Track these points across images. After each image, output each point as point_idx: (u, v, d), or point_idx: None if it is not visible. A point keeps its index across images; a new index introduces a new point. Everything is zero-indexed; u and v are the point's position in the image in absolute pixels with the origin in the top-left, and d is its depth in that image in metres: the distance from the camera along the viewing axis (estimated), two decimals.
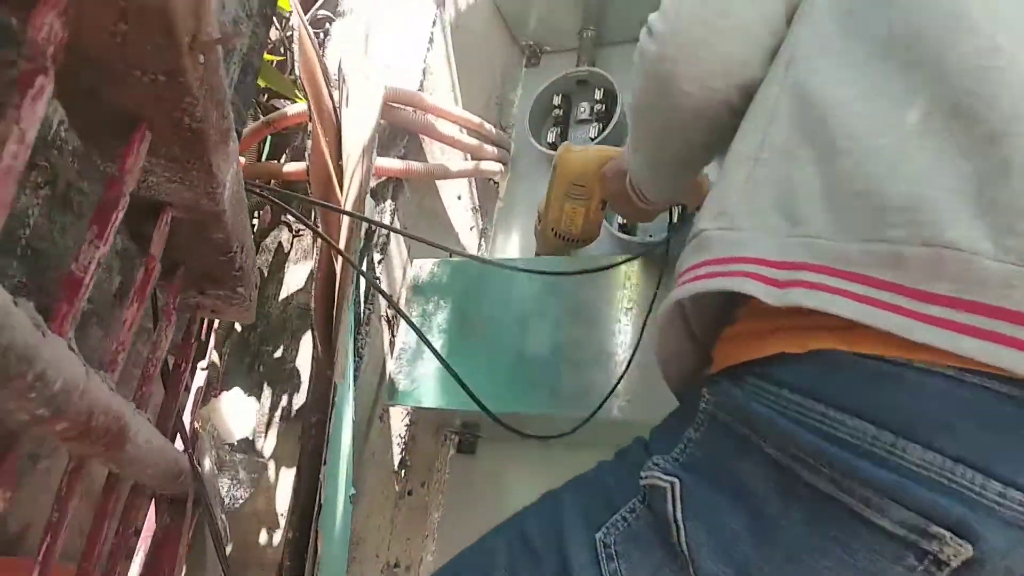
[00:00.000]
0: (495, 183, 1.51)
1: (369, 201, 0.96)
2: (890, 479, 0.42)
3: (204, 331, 0.88)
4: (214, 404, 0.89)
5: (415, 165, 1.22)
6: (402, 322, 1.17)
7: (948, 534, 0.41)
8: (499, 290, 1.15)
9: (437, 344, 1.14)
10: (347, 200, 0.86)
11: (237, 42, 0.69)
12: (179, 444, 0.74)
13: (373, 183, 1.24)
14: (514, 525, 0.62)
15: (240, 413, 0.90)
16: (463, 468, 1.33)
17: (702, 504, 0.50)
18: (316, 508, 0.73)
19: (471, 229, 1.44)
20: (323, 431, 0.75)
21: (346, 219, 0.84)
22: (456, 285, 1.18)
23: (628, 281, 1.08)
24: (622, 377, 0.99)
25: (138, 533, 0.68)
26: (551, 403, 1.06)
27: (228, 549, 0.80)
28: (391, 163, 1.19)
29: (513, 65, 1.62)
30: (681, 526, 0.50)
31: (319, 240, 0.87)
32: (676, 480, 0.51)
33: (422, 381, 1.14)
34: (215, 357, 0.92)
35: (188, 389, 0.79)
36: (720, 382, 0.53)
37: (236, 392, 0.93)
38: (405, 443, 1.23)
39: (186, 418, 0.77)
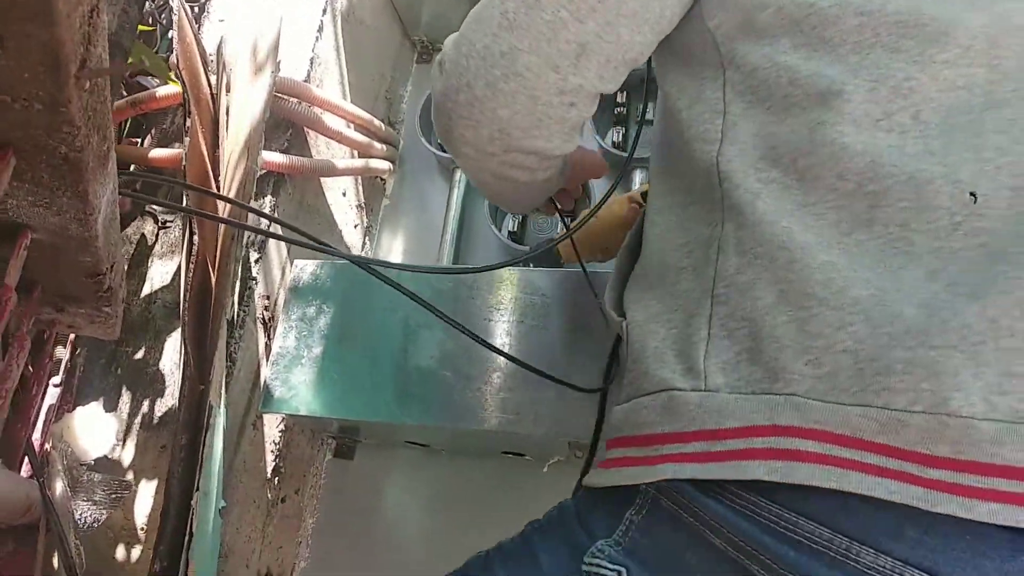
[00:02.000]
0: (382, 180, 1.47)
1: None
2: (810, 565, 0.44)
3: (54, 344, 0.80)
4: (67, 420, 0.81)
5: (299, 160, 1.16)
6: (279, 325, 1.12)
7: None
8: (383, 295, 1.12)
9: (317, 350, 1.10)
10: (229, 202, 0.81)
11: (125, 71, 0.63)
12: (27, 468, 0.67)
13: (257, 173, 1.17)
14: None
15: (96, 428, 0.83)
16: (340, 473, 1.30)
17: None
18: (187, 537, 0.69)
19: (355, 227, 1.40)
20: (195, 454, 0.70)
21: (230, 211, 0.79)
22: (339, 288, 1.14)
23: (514, 291, 1.09)
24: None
25: None
26: (430, 414, 1.05)
27: (83, 569, 0.74)
28: (273, 157, 1.13)
29: (404, 60, 1.58)
30: None
31: (190, 238, 0.80)
32: (623, 569, 0.50)
33: (299, 388, 1.09)
34: (68, 365, 0.84)
35: (39, 411, 0.72)
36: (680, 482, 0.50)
37: (92, 407, 0.85)
38: (279, 450, 1.19)
39: (36, 439, 0.71)
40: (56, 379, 0.71)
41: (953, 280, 0.45)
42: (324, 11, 1.28)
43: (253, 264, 1.12)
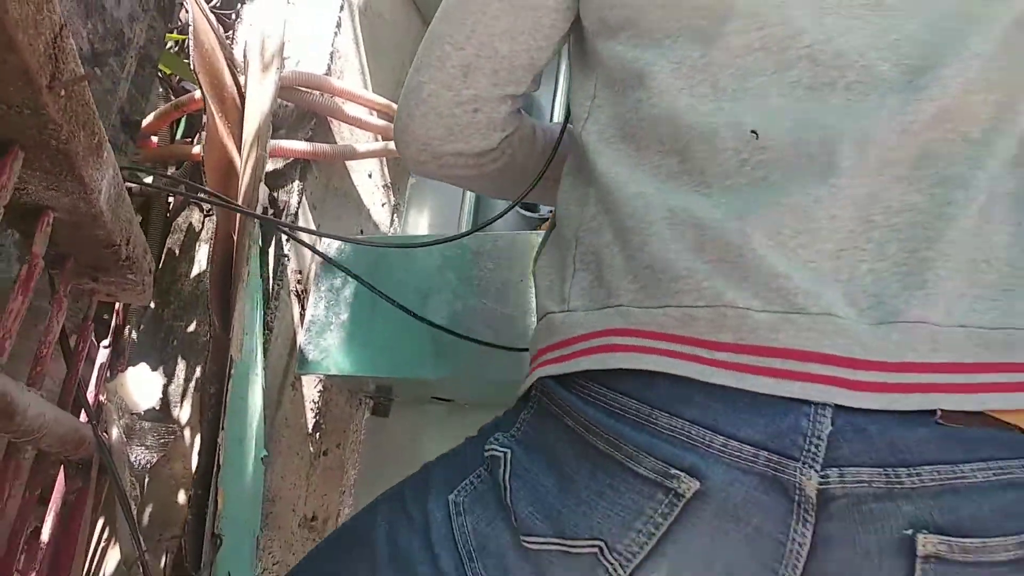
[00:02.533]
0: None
1: (263, 188, 1.03)
2: (644, 438, 0.55)
3: (116, 313, 0.95)
4: (120, 379, 0.96)
5: (321, 146, 1.29)
6: (311, 296, 1.25)
7: (683, 475, 0.54)
8: (400, 265, 1.23)
9: (344, 316, 1.22)
10: (242, 187, 0.93)
11: (90, 76, 0.75)
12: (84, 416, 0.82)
13: (280, 164, 1.30)
14: (395, 491, 0.73)
15: (146, 385, 0.98)
16: (377, 430, 1.43)
17: (524, 468, 0.62)
18: (215, 468, 0.82)
19: (383, 206, 1.52)
20: (221, 401, 0.83)
21: (243, 196, 0.92)
22: (362, 261, 1.26)
23: (529, 255, 1.18)
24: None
25: (45, 496, 0.76)
26: (450, 367, 1.16)
27: (148, 510, 0.88)
28: (297, 145, 1.26)
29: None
30: (507, 486, 0.61)
31: (216, 222, 0.93)
32: (509, 451, 0.63)
33: (330, 351, 1.22)
34: (115, 329, 0.99)
35: (93, 364, 0.87)
36: (548, 381, 0.64)
37: (141, 367, 1.00)
38: (319, 408, 1.32)
39: (91, 392, 0.85)
40: (105, 341, 0.85)
41: (731, 207, 0.57)
42: (342, 7, 1.40)
43: (285, 243, 1.26)
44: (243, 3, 1.42)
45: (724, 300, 0.54)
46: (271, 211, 1.25)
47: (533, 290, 0.76)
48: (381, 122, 1.42)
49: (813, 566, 0.54)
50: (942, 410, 0.53)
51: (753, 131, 0.58)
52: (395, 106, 1.47)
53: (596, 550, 0.57)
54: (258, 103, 0.99)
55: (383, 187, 1.52)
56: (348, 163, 1.41)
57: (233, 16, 1.45)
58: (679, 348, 0.56)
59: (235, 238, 0.89)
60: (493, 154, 0.80)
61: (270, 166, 1.32)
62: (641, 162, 0.62)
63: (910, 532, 0.52)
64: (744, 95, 0.60)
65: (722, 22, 0.61)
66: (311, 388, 1.32)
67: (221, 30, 1.14)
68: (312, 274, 1.28)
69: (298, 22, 1.41)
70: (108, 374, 0.90)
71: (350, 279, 1.25)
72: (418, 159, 0.80)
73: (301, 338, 1.24)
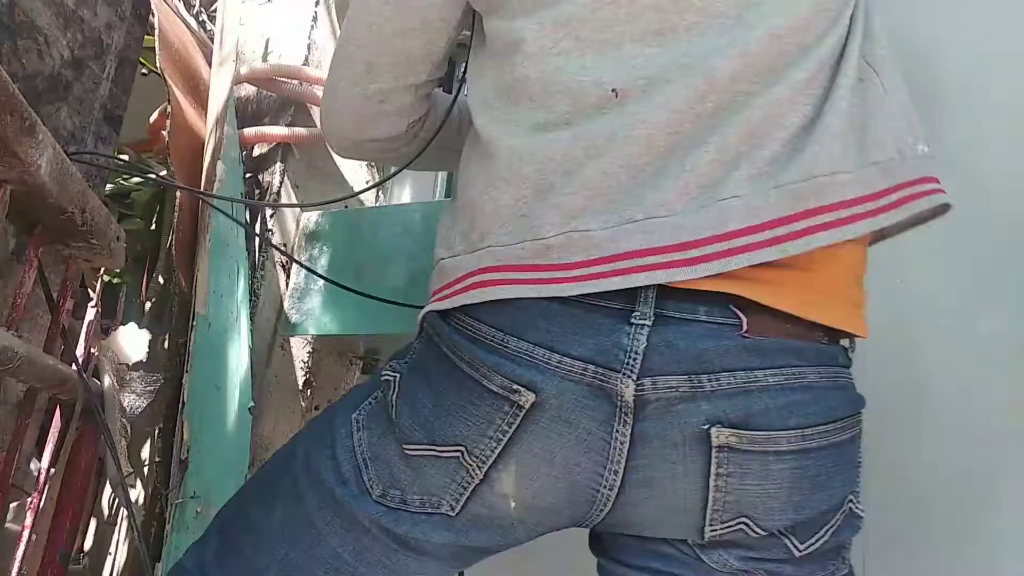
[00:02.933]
0: None
1: (233, 167, 1.17)
2: (494, 359, 0.66)
3: (100, 279, 1.11)
4: (113, 336, 1.12)
5: (298, 130, 1.42)
6: (294, 265, 1.39)
7: (523, 389, 0.64)
8: (372, 234, 1.36)
9: (322, 283, 1.36)
10: (204, 167, 1.07)
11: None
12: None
13: (265, 149, 1.45)
14: (319, 416, 0.84)
15: (134, 342, 1.13)
16: None
17: (408, 388, 0.72)
18: (180, 405, 0.97)
19: (366, 182, 1.65)
20: (186, 348, 0.98)
21: (205, 174, 1.06)
22: (338, 232, 1.39)
23: None
24: None
25: (38, 423, 0.92)
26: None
27: (128, 442, 1.04)
28: (276, 130, 1.40)
29: None
30: (394, 404, 0.72)
31: (179, 198, 1.08)
32: (399, 375, 0.74)
33: (311, 314, 1.36)
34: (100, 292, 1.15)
35: (81, 319, 1.02)
36: (433, 315, 0.74)
37: (131, 326, 1.16)
38: (308, 367, 1.47)
39: (81, 345, 1.01)
40: (92, 302, 1.00)
41: (589, 149, 0.66)
42: (317, 3, 1.53)
43: (269, 218, 1.40)
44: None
45: (571, 227, 0.65)
46: (256, 194, 1.39)
47: None
48: None
49: (633, 458, 0.64)
50: (746, 323, 0.63)
51: (613, 90, 0.67)
52: None
53: (459, 454, 0.68)
54: (217, 93, 1.13)
55: (367, 166, 1.65)
56: None
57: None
58: (539, 275, 0.66)
59: (198, 210, 1.03)
60: (404, 138, 0.91)
61: (256, 151, 1.47)
62: (514, 117, 0.71)
63: (707, 426, 0.62)
64: (604, 46, 0.68)
65: None
66: (300, 349, 1.46)
67: (194, 24, 1.28)
68: (294, 246, 1.42)
69: (278, 18, 1.54)
70: (99, 329, 1.06)
71: (326, 248, 1.38)
72: (340, 146, 0.93)
73: (286, 304, 1.39)
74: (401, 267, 1.30)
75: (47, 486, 0.96)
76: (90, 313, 1.01)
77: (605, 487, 0.66)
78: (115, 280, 1.14)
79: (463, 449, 0.68)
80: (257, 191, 1.41)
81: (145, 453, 1.25)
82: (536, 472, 0.67)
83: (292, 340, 1.44)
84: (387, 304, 1.29)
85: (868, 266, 0.74)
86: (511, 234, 0.68)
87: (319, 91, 1.47)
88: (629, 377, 0.62)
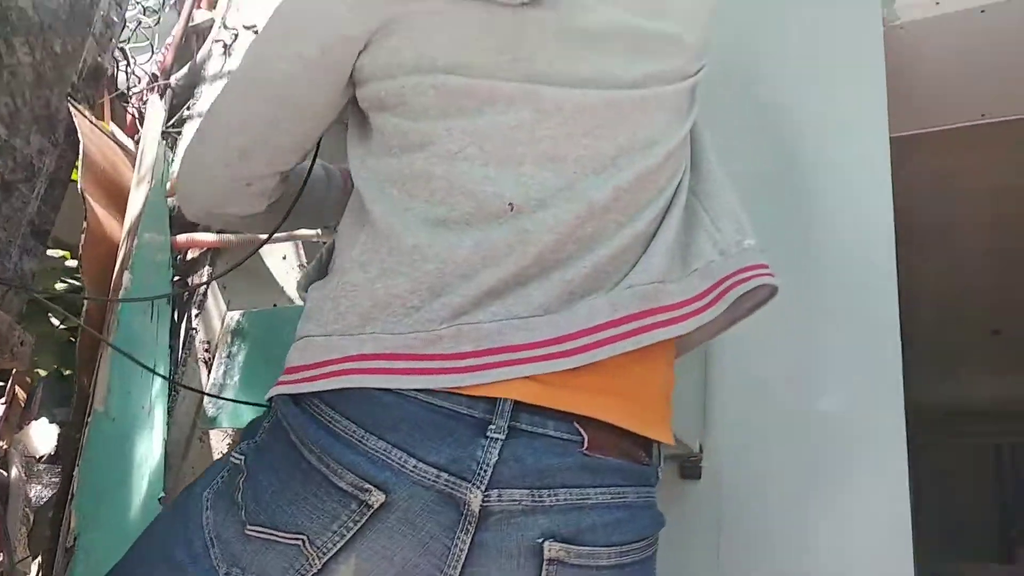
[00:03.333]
0: (322, 242, 1.84)
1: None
2: (349, 457, 0.69)
3: (11, 379, 1.21)
4: (26, 430, 1.22)
5: (227, 237, 1.55)
6: (214, 362, 1.49)
7: (374, 489, 0.68)
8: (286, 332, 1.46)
9: (237, 378, 1.45)
10: (114, 275, 1.19)
11: None
12: None
13: (196, 254, 1.57)
14: (179, 494, 0.89)
15: (45, 436, 1.22)
16: None
17: (254, 471, 0.77)
18: (69, 496, 1.05)
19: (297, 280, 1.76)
20: (78, 444, 1.07)
21: (113, 281, 1.18)
22: (256, 331, 1.50)
23: None
24: None
25: None
26: None
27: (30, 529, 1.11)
28: (206, 236, 1.53)
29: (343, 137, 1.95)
30: (240, 487, 0.77)
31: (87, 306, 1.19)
32: (245, 457, 0.79)
33: (227, 407, 1.45)
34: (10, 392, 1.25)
35: None
36: (284, 398, 0.78)
37: (42, 421, 1.25)
38: None
39: None
40: (1, 399, 1.10)
41: (481, 251, 0.73)
42: None
43: (194, 318, 1.51)
44: (180, 132, 1.72)
45: (461, 320, 0.71)
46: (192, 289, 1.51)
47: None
48: None
49: (470, 564, 0.69)
50: (587, 440, 0.72)
51: (511, 204, 0.75)
52: None
53: (300, 542, 0.71)
54: (132, 207, 1.26)
55: (297, 267, 1.77)
56: (263, 248, 1.67)
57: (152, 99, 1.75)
58: (427, 364, 0.70)
59: (103, 315, 1.14)
60: (262, 215, 0.96)
61: (189, 255, 1.59)
62: (411, 207, 0.76)
63: (541, 540, 0.69)
64: (506, 161, 0.76)
65: (489, 104, 0.77)
66: (219, 441, 1.54)
67: (120, 135, 1.43)
68: (224, 344, 1.53)
69: None
70: (7, 424, 1.15)
71: (243, 345, 1.49)
72: (198, 216, 0.99)
73: (205, 400, 1.48)
74: None
75: None
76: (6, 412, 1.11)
77: None
78: (28, 378, 1.24)
79: (304, 539, 0.71)
80: (186, 292, 1.53)
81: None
82: (375, 568, 0.70)
83: (211, 432, 1.52)
84: None
85: None
86: (401, 324, 0.72)
87: None
88: (479, 488, 0.68)
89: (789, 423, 1.30)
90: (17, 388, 1.25)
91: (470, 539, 0.69)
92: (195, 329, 1.50)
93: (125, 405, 1.20)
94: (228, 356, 1.49)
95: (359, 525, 0.70)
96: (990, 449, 5.62)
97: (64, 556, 1.02)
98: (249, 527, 0.74)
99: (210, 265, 1.55)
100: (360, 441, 0.70)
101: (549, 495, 0.70)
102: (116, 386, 1.17)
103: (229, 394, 1.46)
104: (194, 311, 1.51)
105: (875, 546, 1.14)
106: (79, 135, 1.17)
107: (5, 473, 1.11)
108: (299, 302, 1.77)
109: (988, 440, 5.56)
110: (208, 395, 1.45)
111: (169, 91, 1.71)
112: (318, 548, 0.71)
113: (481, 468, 0.69)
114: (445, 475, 0.68)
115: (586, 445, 0.71)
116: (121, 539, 1.19)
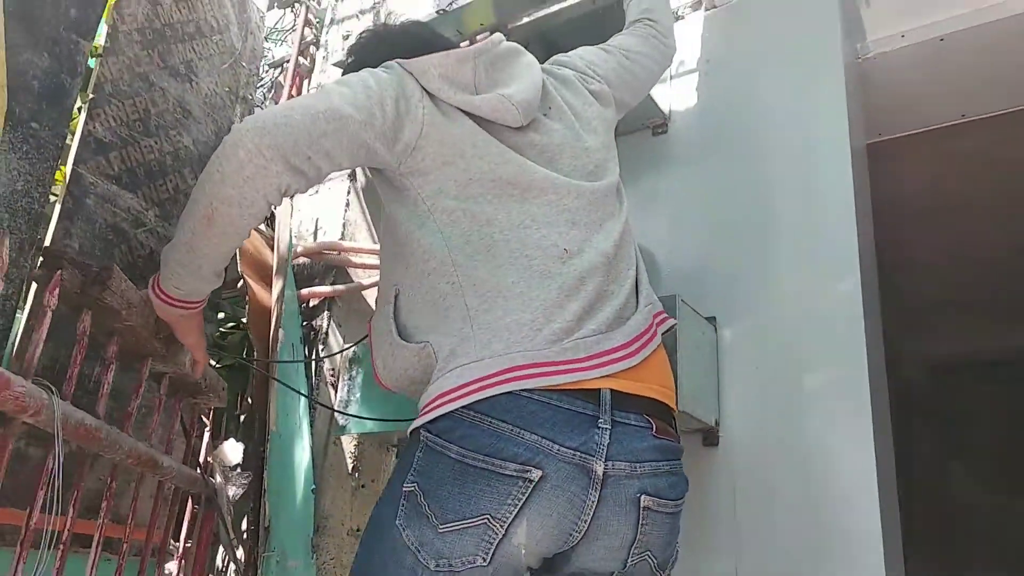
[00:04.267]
0: None
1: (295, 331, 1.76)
2: (512, 449, 0.95)
3: (211, 413, 1.70)
4: (221, 447, 1.70)
5: (339, 287, 2.01)
6: (340, 385, 1.96)
7: (533, 468, 0.94)
8: None
9: (358, 395, 1.91)
10: (271, 338, 1.66)
11: None
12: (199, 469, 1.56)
13: (316, 302, 2.04)
14: (375, 540, 1.05)
15: (234, 451, 1.70)
16: None
17: (429, 489, 0.98)
18: (263, 492, 1.53)
19: None
20: (264, 453, 1.54)
21: (271, 337, 1.65)
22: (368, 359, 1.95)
23: None
24: None
25: (177, 515, 1.50)
26: None
27: (231, 521, 1.60)
28: (322, 289, 1.99)
29: None
30: (423, 503, 0.98)
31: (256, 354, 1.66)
32: (416, 484, 0.99)
33: (351, 420, 1.92)
34: (211, 422, 1.74)
35: (201, 439, 1.61)
36: (441, 425, 0.99)
37: (231, 440, 1.73)
38: (355, 456, 2.02)
39: (202, 456, 1.59)
40: (207, 429, 1.58)
41: (567, 296, 1.06)
42: (348, 191, 2.14)
43: (320, 351, 1.98)
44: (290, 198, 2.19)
45: (573, 337, 1.01)
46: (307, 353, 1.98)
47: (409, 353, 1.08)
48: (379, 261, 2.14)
49: (597, 513, 0.99)
50: (654, 427, 1.06)
51: (565, 249, 1.08)
52: None
53: (485, 520, 0.95)
54: (277, 282, 1.72)
55: None
56: (363, 292, 2.13)
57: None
58: (559, 368, 0.99)
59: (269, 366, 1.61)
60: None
61: (311, 303, 2.06)
62: (499, 264, 1.05)
63: (638, 495, 1.01)
64: (552, 225, 1.09)
65: (527, 189, 1.11)
66: (349, 444, 2.02)
67: (265, 229, 1.90)
68: (339, 369, 1.99)
69: (322, 204, 2.16)
70: (212, 445, 1.64)
71: (360, 369, 1.94)
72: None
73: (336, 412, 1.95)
74: None
75: (182, 552, 1.54)
76: (206, 436, 1.59)
77: (577, 531, 0.99)
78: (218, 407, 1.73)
79: (488, 516, 0.95)
80: (312, 332, 2.00)
81: (243, 526, 1.81)
82: (540, 522, 0.97)
83: (342, 438, 1.99)
84: (408, 404, 1.83)
85: None
86: (533, 342, 0.99)
87: (353, 258, 2.07)
88: (601, 460, 0.98)
89: (784, 399, 1.66)
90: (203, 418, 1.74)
91: (597, 494, 0.98)
92: (323, 361, 1.97)
93: (286, 423, 1.68)
94: (349, 379, 1.96)
95: (526, 496, 0.96)
96: None
97: (264, 535, 1.50)
98: (441, 527, 0.96)
99: (327, 310, 2.02)
100: (518, 436, 0.96)
101: (640, 466, 1.02)
102: (280, 410, 1.64)
103: (352, 409, 1.92)
104: (320, 347, 1.98)
105: (844, 496, 1.50)
106: None
107: (213, 480, 1.60)
108: None
109: None
110: (337, 411, 1.92)
111: None
112: (499, 520, 0.96)
113: (600, 447, 0.99)
114: (579, 454, 0.97)
115: (654, 430, 1.05)
116: (294, 521, 1.68)
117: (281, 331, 1.64)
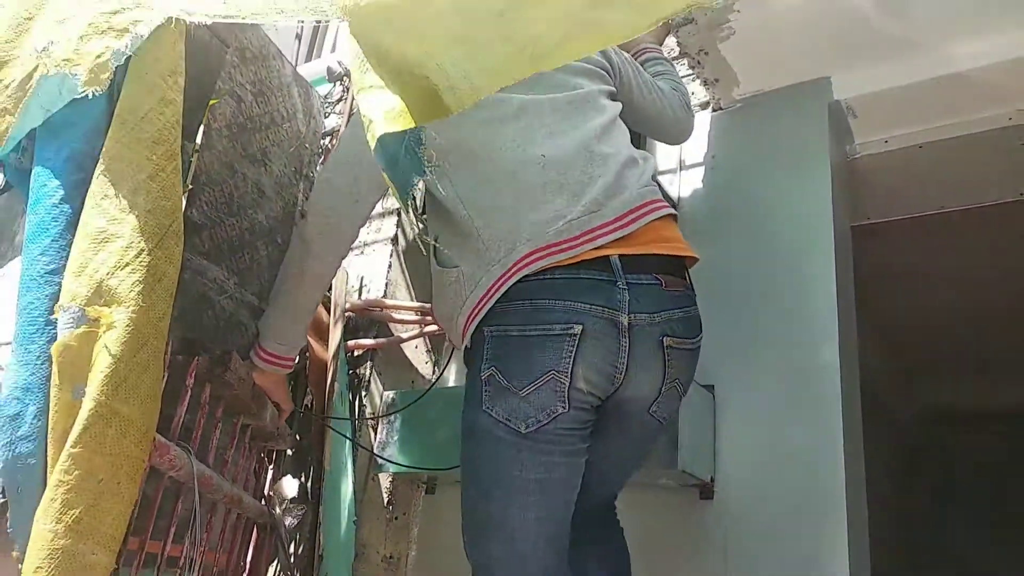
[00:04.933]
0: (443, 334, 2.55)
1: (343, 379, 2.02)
2: (555, 315, 1.21)
3: (274, 456, 1.96)
4: (280, 482, 1.96)
5: (380, 340, 2.28)
6: (379, 427, 2.22)
7: (575, 326, 1.20)
8: (430, 409, 2.17)
9: (396, 438, 2.17)
10: (327, 393, 1.92)
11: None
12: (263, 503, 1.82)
13: (360, 353, 2.30)
14: (466, 440, 1.33)
15: (290, 486, 1.96)
16: (429, 502, 2.35)
17: (503, 368, 1.23)
18: (318, 523, 1.78)
19: (426, 363, 2.48)
20: (320, 489, 1.80)
21: (328, 388, 1.91)
22: (405, 404, 2.21)
23: None
24: None
25: (248, 538, 1.75)
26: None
27: (290, 549, 1.86)
28: (367, 341, 2.26)
29: None
30: (501, 380, 1.22)
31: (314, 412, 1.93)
32: (492, 369, 1.24)
33: (390, 460, 2.17)
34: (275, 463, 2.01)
35: (266, 475, 1.87)
36: (491, 320, 1.26)
37: (288, 477, 1.99)
38: (390, 492, 2.27)
39: (265, 490, 1.85)
40: (271, 467, 1.84)
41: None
42: (391, 254, 2.41)
43: (363, 397, 2.24)
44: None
45: (573, 215, 1.27)
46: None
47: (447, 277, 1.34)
48: (417, 317, 2.40)
49: (631, 355, 1.24)
50: (663, 282, 1.31)
51: (543, 155, 1.32)
52: (426, 306, 2.45)
53: (552, 375, 1.20)
54: (332, 342, 1.99)
55: (426, 352, 2.49)
56: (402, 345, 2.39)
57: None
58: (568, 245, 1.25)
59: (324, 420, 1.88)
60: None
61: (355, 353, 2.32)
62: (503, 187, 1.32)
63: (661, 337, 1.28)
64: (535, 136, 1.35)
65: (505, 118, 1.36)
66: (385, 480, 2.27)
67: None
68: (379, 413, 2.25)
69: (368, 262, 2.44)
70: (273, 479, 1.90)
71: (397, 416, 2.20)
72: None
73: (375, 452, 2.20)
74: (445, 429, 2.10)
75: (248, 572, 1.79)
76: (270, 473, 1.85)
77: (619, 372, 1.24)
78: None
79: (553, 370, 1.21)
80: (356, 379, 2.26)
81: (290, 550, 2.06)
82: (591, 367, 1.22)
83: (379, 475, 2.25)
84: (439, 450, 2.09)
85: None
86: (532, 234, 1.26)
87: (394, 314, 2.33)
88: (625, 313, 1.24)
89: (775, 456, 1.91)
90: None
91: (628, 340, 1.24)
92: (364, 406, 2.23)
93: (336, 462, 1.94)
94: (388, 423, 2.22)
95: (575, 347, 1.21)
96: None
97: (318, 560, 1.75)
98: (522, 391, 1.22)
99: (370, 360, 2.28)
100: (556, 305, 1.23)
101: (657, 315, 1.27)
102: (332, 452, 1.90)
103: (389, 451, 2.18)
104: (363, 393, 2.24)
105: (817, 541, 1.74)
106: None
107: (274, 511, 1.86)
108: (429, 378, 2.48)
109: None
110: (375, 455, 2.18)
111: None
112: (563, 371, 1.21)
113: (623, 304, 1.24)
114: (607, 309, 1.23)
115: (664, 285, 1.30)
116: (339, 549, 1.93)
117: (337, 385, 1.90)
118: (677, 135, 1.85)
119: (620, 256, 1.26)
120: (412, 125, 0.92)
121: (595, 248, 1.25)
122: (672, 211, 1.41)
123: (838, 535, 1.75)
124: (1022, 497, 5.29)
